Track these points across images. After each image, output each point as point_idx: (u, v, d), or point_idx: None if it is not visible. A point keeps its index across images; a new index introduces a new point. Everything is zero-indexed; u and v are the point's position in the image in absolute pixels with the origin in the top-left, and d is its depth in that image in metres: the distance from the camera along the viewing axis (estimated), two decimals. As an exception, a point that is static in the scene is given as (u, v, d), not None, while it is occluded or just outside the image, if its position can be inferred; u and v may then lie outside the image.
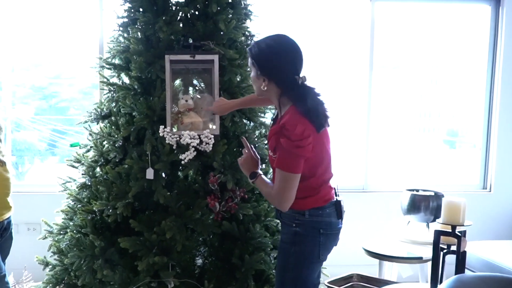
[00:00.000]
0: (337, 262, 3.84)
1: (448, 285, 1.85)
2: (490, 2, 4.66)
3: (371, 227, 4.40)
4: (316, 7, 4.68)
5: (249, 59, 2.34)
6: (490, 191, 4.81)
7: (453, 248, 2.38)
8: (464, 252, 2.30)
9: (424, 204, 3.70)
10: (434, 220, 3.64)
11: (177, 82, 3.21)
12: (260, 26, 3.34)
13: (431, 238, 2.53)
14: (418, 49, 5.05)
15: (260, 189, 2.42)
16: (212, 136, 2.89)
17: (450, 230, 2.26)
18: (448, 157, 5.51)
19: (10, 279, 3.72)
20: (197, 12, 3.06)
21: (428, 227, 3.70)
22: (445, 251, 2.34)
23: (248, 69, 2.36)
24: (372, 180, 4.74)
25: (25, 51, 4.79)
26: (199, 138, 2.88)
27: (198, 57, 2.93)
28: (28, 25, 4.66)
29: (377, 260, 3.69)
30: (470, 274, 2.08)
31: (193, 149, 2.86)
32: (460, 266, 2.27)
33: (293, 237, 2.34)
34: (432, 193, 3.77)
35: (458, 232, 2.26)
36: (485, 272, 3.55)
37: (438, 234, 2.32)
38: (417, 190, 3.85)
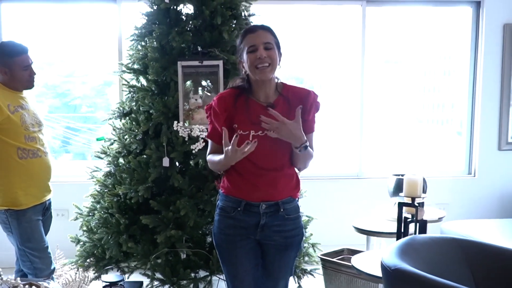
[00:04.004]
0: (334, 242, 4.32)
1: (403, 242, 2.31)
2: (471, 4, 5.11)
3: (363, 210, 4.77)
4: (312, 14, 5.16)
5: (273, 40, 2.32)
6: (474, 176, 5.26)
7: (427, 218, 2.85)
8: (425, 221, 2.77)
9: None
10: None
11: (188, 83, 3.71)
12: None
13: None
14: (407, 47, 5.55)
15: (307, 157, 2.30)
16: (218, 129, 3.37)
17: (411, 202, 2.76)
18: (437, 144, 5.95)
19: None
20: (204, 23, 3.54)
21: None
22: (409, 220, 2.82)
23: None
24: (367, 168, 5.20)
25: (38, 50, 4.73)
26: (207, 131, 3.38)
27: (206, 62, 3.44)
28: (41, 24, 4.84)
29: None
30: (423, 235, 2.54)
31: (202, 140, 3.36)
32: (420, 233, 2.75)
33: (301, 229, 2.40)
34: (415, 177, 4.22)
35: (417, 203, 2.75)
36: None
37: (401, 205, 2.82)
38: (402, 175, 4.29)
